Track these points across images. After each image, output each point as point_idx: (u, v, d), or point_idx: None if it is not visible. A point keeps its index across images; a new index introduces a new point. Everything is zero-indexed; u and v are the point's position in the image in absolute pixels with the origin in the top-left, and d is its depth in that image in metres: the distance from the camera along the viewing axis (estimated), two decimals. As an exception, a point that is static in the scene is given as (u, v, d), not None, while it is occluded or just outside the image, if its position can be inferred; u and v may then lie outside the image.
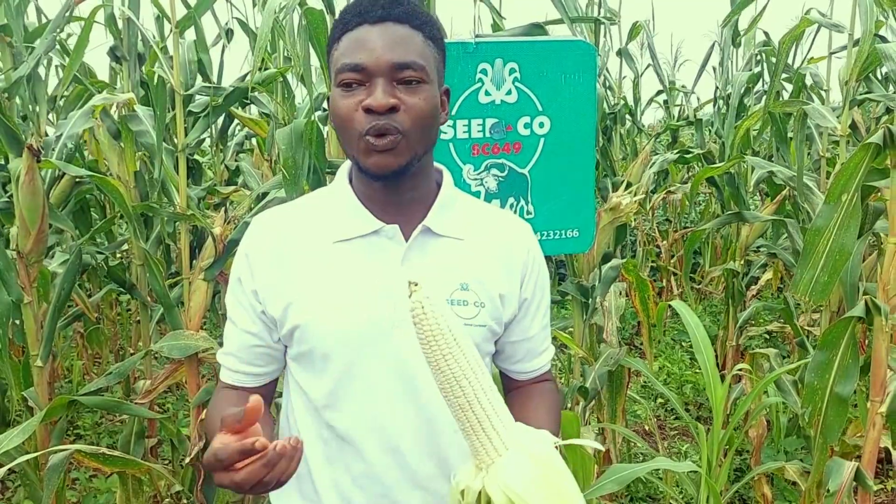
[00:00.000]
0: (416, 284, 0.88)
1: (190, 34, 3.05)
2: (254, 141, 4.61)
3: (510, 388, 1.28)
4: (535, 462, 0.90)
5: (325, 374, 1.08)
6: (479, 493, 0.91)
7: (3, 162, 3.19)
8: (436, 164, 1.18)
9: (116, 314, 4.86)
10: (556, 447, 0.98)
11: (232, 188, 3.45)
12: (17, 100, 2.39)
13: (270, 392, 1.21)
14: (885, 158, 1.68)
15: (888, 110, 3.73)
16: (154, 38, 2.77)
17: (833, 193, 1.67)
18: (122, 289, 2.95)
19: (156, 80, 2.17)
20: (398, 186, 1.09)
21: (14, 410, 3.88)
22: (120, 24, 2.85)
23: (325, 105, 3.42)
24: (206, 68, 2.94)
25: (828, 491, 1.71)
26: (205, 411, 1.77)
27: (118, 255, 3.95)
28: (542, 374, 1.26)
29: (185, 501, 2.29)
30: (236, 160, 4.12)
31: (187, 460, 1.83)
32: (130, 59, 2.89)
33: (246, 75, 3.80)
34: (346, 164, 1.17)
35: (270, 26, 1.90)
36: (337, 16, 1.11)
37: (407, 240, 1.10)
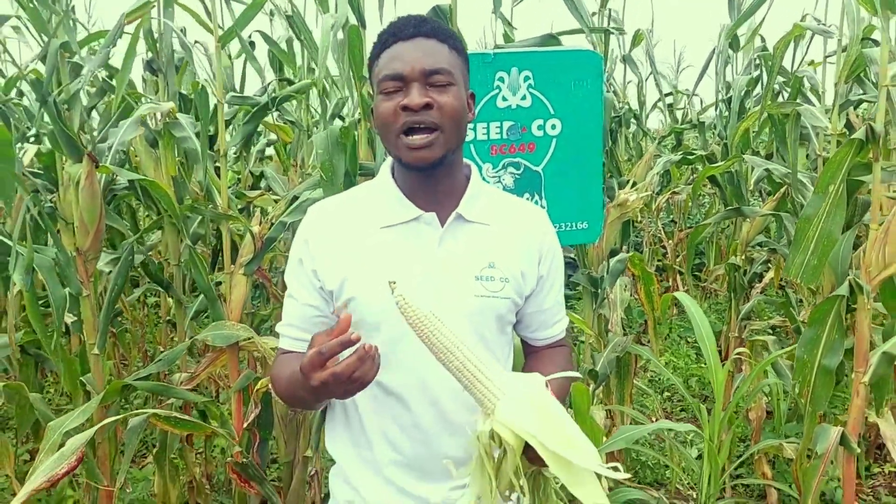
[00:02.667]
0: (394, 283, 1.08)
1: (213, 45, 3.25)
2: (272, 149, 4.82)
3: (528, 352, 1.47)
4: (524, 399, 1.08)
5: (374, 340, 1.26)
6: (490, 433, 1.10)
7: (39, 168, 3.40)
8: (465, 161, 1.37)
9: (144, 316, 5.05)
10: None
11: (258, 192, 3.65)
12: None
13: None
14: (868, 152, 1.86)
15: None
16: (189, 43, 2.96)
17: (821, 185, 1.85)
18: (159, 287, 3.15)
19: (199, 91, 2.37)
20: (434, 178, 1.29)
21: (55, 402, 4.10)
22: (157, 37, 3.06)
23: (343, 112, 3.62)
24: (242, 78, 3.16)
25: (817, 454, 1.88)
26: (266, 380, 1.96)
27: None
28: (555, 341, 1.45)
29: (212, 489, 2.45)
30: (258, 166, 4.32)
31: (245, 425, 2.02)
32: (166, 70, 3.10)
33: (269, 84, 4.01)
34: (388, 161, 1.36)
35: (328, 43, 2.09)
36: (375, 38, 1.31)
37: (442, 225, 1.29)
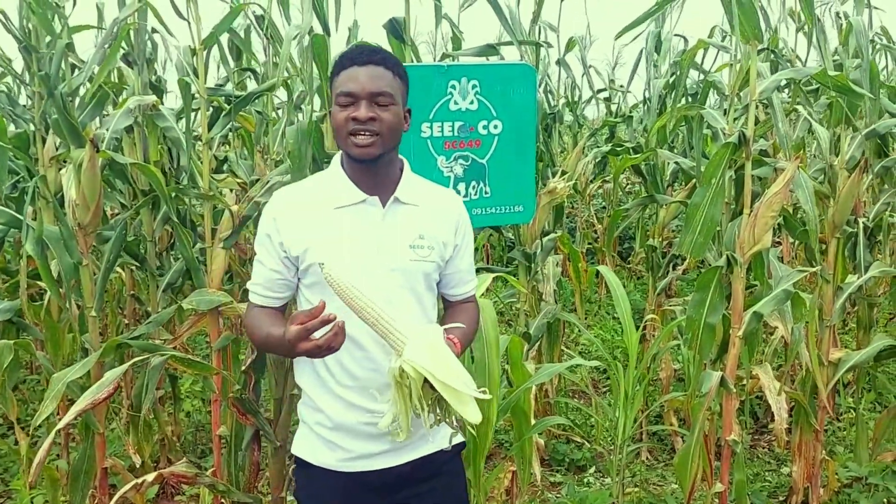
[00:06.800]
0: (322, 263, 1.49)
1: (185, 39, 3.54)
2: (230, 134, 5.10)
3: (446, 306, 1.89)
4: (423, 344, 1.46)
5: (328, 296, 1.55)
6: (399, 369, 1.45)
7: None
8: (400, 156, 1.78)
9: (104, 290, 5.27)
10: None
11: (223, 175, 3.95)
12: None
13: (283, 309, 1.78)
14: (742, 153, 2.33)
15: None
16: (163, 38, 3.24)
17: (705, 178, 2.31)
18: (134, 261, 3.44)
19: (183, 85, 2.68)
20: (376, 169, 1.69)
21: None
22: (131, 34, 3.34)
23: (303, 104, 3.95)
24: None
25: (702, 393, 2.35)
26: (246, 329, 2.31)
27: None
28: (466, 298, 1.87)
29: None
30: (223, 152, 4.61)
31: (243, 368, 2.37)
32: (140, 63, 3.38)
33: (232, 74, 4.31)
34: (338, 155, 1.76)
35: (289, 50, 2.43)
36: (337, 58, 1.71)
37: (384, 206, 1.69)
